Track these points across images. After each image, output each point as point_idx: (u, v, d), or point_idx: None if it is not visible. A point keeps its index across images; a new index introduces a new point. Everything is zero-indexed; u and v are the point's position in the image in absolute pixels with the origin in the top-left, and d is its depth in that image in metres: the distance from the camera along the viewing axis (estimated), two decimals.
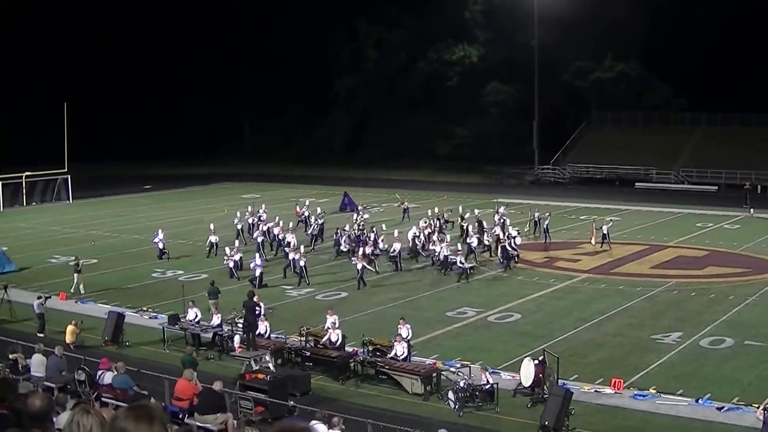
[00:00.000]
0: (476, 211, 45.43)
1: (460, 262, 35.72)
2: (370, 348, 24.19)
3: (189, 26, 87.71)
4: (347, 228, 41.78)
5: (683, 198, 59.52)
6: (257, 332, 25.45)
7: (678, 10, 71.20)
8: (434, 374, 22.61)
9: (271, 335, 26.07)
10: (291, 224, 41.85)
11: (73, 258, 35.49)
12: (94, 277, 36.46)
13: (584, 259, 39.01)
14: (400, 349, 23.51)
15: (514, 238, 38.76)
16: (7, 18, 75.51)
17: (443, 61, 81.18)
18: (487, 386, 21.26)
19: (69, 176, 61.45)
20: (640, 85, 75.58)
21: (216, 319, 26.82)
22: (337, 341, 24.59)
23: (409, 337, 24.45)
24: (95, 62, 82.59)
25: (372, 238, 39.10)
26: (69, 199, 61.73)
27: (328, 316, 26.00)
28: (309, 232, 42.87)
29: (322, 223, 43.93)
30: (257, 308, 25.13)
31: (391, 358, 23.39)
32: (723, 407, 20.53)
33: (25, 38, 79.66)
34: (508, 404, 21.26)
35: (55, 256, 40.93)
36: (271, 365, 23.25)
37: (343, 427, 16.89)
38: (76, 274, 33.74)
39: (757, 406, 20.20)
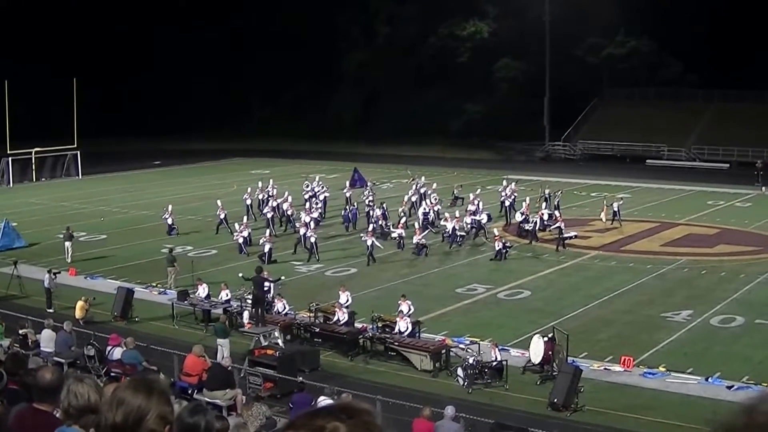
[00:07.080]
0: (501, 189, 45.15)
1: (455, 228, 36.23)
2: (380, 324, 24.20)
3: (198, 0, 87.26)
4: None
5: (694, 175, 59.18)
6: (274, 310, 25.50)
7: None
8: (443, 351, 22.59)
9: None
10: (307, 204, 41.84)
11: (65, 229, 35.87)
12: (103, 252, 36.62)
13: (595, 236, 38.87)
14: (403, 325, 23.48)
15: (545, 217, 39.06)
16: None
17: (454, 36, 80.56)
18: (496, 363, 21.23)
19: (78, 152, 61.36)
20: (652, 62, 74.86)
21: (171, 282, 29.06)
22: (344, 320, 24.56)
23: (410, 313, 24.38)
24: (104, 37, 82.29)
25: (380, 214, 39.02)
26: (78, 175, 61.71)
27: (340, 293, 25.98)
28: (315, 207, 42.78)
29: (326, 197, 44.33)
30: (266, 284, 25.13)
31: (396, 333, 23.39)
32: (733, 386, 20.44)
33: (33, 13, 79.43)
34: (517, 381, 21.24)
35: (64, 231, 40.90)
36: (280, 341, 23.28)
37: None
38: (67, 242, 34.14)
39: (767, 384, 20.13)
